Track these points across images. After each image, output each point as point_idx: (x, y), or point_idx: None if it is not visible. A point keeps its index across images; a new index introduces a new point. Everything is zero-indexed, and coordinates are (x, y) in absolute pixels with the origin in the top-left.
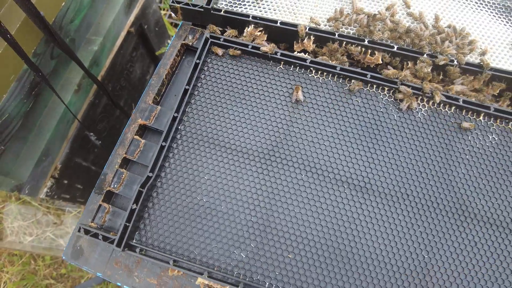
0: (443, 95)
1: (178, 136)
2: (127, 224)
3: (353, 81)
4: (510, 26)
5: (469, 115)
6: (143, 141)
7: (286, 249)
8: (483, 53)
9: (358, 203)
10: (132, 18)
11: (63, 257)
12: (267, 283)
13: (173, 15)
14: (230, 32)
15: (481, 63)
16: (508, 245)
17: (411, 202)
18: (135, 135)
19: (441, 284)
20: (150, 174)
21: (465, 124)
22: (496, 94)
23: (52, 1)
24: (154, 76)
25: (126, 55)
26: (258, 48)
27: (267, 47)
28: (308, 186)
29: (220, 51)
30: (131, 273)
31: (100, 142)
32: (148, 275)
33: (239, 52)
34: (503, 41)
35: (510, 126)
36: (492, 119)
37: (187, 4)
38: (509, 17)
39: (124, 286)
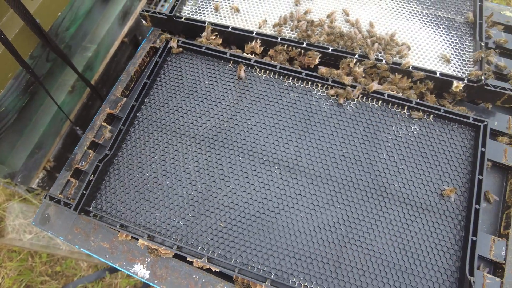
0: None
1: (136, 122)
2: (84, 192)
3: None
4: (438, 33)
5: (394, 108)
6: (109, 127)
7: (219, 219)
8: (402, 56)
9: (286, 182)
10: (126, 29)
11: (33, 223)
12: (199, 247)
13: (143, 22)
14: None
15: (403, 63)
16: (418, 222)
17: (333, 182)
18: (103, 122)
19: (355, 255)
20: (108, 152)
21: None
22: (424, 91)
23: (49, 11)
24: (124, 73)
25: (120, 63)
26: (211, 50)
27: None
28: (244, 166)
29: (175, 44)
30: (88, 238)
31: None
32: (102, 240)
33: (180, 49)
34: (429, 46)
35: (431, 119)
36: (415, 111)
37: (154, 12)
38: (438, 26)
39: (81, 249)
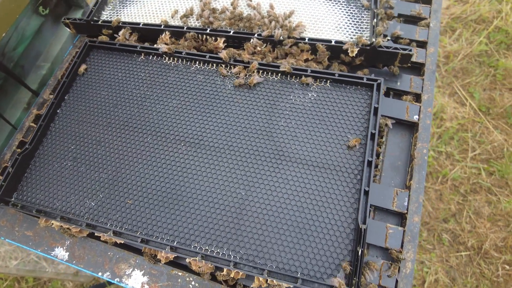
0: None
1: (56, 118)
2: (3, 183)
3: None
4: (337, 7)
5: (292, 79)
6: (36, 126)
7: (128, 197)
8: (297, 27)
9: (191, 157)
10: None
11: None
12: (108, 224)
13: (68, 30)
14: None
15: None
16: (315, 179)
17: (235, 152)
18: (31, 123)
19: (255, 216)
20: (28, 146)
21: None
22: (325, 61)
23: None
24: (52, 78)
25: None
26: (123, 45)
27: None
28: (152, 147)
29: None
30: (13, 229)
31: None
32: (26, 229)
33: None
34: (329, 19)
35: (328, 84)
36: (312, 80)
37: (74, 19)
38: (337, 0)
39: (6, 240)
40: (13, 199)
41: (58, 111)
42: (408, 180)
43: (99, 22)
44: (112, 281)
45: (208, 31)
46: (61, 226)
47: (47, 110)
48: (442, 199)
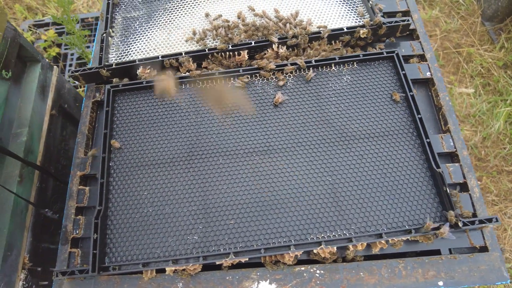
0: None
1: (112, 171)
2: (94, 252)
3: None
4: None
5: (324, 69)
6: (87, 188)
7: (227, 218)
8: (309, 24)
9: (267, 162)
10: (49, 102)
11: None
12: (222, 249)
13: (76, 82)
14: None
15: (320, 30)
16: (383, 147)
17: (304, 146)
18: (79, 186)
19: (352, 195)
20: (100, 208)
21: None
22: (341, 48)
23: None
24: (78, 135)
25: (57, 136)
26: (151, 82)
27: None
28: (227, 165)
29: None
30: None
31: (57, 215)
32: None
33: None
34: (330, 10)
35: (355, 65)
36: (341, 65)
37: (84, 70)
38: None
39: None
40: (108, 264)
41: (111, 164)
42: (443, 126)
43: (113, 66)
44: None
45: (230, 47)
46: (175, 270)
47: (102, 167)
48: None
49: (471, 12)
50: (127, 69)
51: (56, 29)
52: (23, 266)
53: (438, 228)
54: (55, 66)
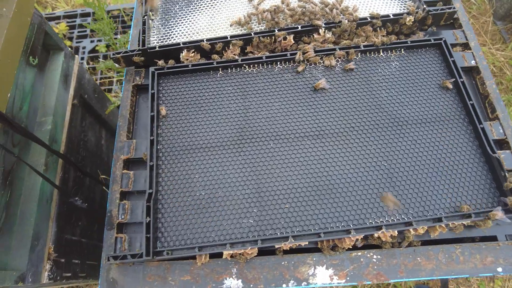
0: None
1: (160, 154)
2: (148, 235)
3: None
4: None
5: (372, 55)
6: (132, 172)
7: (282, 202)
8: (355, 10)
9: (319, 147)
10: (71, 91)
11: None
12: (279, 233)
13: (116, 65)
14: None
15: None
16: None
17: (355, 131)
18: (123, 170)
19: (409, 171)
20: (150, 191)
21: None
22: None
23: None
24: (119, 119)
25: (77, 127)
26: (197, 65)
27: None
28: (279, 149)
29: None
30: (166, 280)
31: (86, 204)
32: (181, 274)
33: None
34: None
35: (403, 52)
36: (389, 51)
37: (126, 52)
38: None
39: None
40: (164, 249)
41: (159, 147)
42: (490, 114)
43: (157, 48)
44: (300, 287)
45: (276, 31)
46: (232, 254)
47: (151, 150)
48: None
49: (482, 11)
50: (169, 53)
51: (68, 22)
52: (49, 257)
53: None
54: (76, 56)
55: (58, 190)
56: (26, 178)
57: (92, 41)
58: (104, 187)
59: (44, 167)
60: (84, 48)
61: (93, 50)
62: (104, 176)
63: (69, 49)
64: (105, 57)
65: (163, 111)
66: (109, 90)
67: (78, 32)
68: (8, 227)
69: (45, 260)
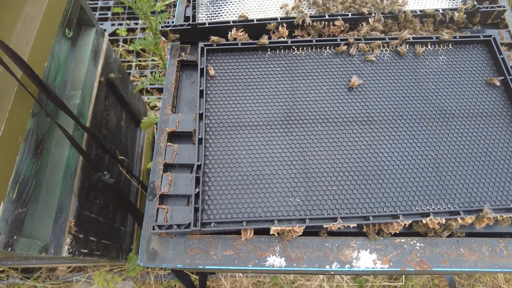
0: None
1: (208, 129)
2: (196, 206)
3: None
4: None
5: (418, 47)
6: (176, 145)
7: (328, 184)
8: (405, 2)
9: (368, 134)
10: (99, 68)
11: (140, 264)
12: (326, 214)
13: (163, 39)
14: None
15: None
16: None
17: (403, 119)
18: (167, 143)
19: (456, 164)
20: (199, 163)
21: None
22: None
23: (38, 63)
24: (164, 92)
25: (101, 105)
26: (246, 44)
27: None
28: (326, 132)
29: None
30: (208, 253)
31: (113, 180)
32: (224, 249)
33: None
34: None
35: (450, 46)
36: (437, 45)
37: (175, 26)
38: None
39: (206, 267)
40: (210, 221)
41: (206, 121)
42: None
43: (206, 25)
44: (342, 269)
45: (327, 16)
46: (281, 230)
47: (198, 124)
48: None
49: None
50: (217, 30)
51: (90, 3)
52: (69, 231)
53: None
54: (106, 34)
55: (88, 163)
56: (52, 150)
57: (113, 24)
58: (121, 167)
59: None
60: (104, 30)
61: (113, 34)
62: (122, 157)
63: (100, 26)
64: (125, 41)
65: (211, 71)
66: (128, 75)
67: (100, 14)
68: (34, 197)
69: (66, 233)
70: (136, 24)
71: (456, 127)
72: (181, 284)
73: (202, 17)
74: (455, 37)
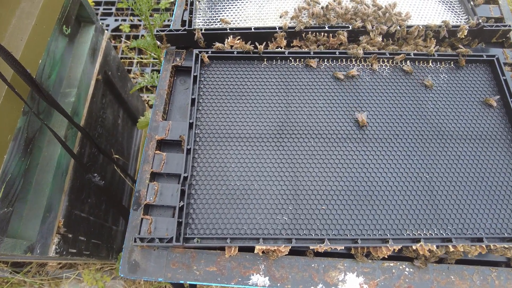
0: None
1: (197, 139)
2: (180, 220)
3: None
4: None
5: (420, 64)
6: (164, 153)
7: (318, 203)
8: (408, 17)
9: (362, 151)
10: (97, 66)
11: (121, 275)
12: (313, 234)
13: (158, 43)
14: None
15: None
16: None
17: (400, 138)
18: (155, 150)
19: (451, 188)
20: (186, 175)
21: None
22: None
23: (31, 60)
24: (156, 98)
25: (98, 103)
26: (242, 53)
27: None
28: (319, 148)
29: (206, 59)
30: (190, 268)
31: (103, 182)
32: (207, 264)
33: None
34: (426, 6)
35: (452, 65)
36: (438, 63)
37: (170, 30)
38: None
39: (187, 282)
40: (194, 235)
41: (197, 131)
42: None
43: (202, 31)
44: None
45: (326, 28)
46: (266, 249)
47: (188, 133)
48: None
49: None
50: (214, 37)
51: None
52: (58, 230)
53: None
54: (106, 31)
55: (78, 165)
56: (44, 149)
57: (116, 20)
58: (116, 167)
59: (63, 139)
60: (107, 26)
61: (116, 29)
62: (117, 156)
63: (100, 23)
64: (127, 37)
65: (205, 59)
66: (128, 71)
67: (104, 9)
68: (22, 196)
69: (54, 233)
70: (140, 21)
71: (453, 149)
72: (171, 286)
73: (199, 23)
74: (456, 55)
